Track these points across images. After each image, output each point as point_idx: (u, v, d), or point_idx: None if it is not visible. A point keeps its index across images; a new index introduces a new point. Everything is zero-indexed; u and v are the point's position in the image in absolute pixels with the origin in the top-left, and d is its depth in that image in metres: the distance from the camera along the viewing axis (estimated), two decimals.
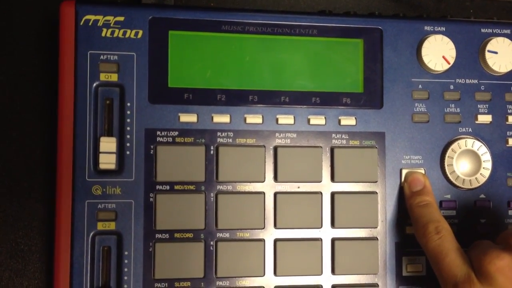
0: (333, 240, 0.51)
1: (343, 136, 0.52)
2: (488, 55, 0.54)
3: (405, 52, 0.53)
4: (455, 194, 0.53)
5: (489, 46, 0.54)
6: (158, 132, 0.49)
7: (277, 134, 0.51)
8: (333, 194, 0.52)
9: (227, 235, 0.50)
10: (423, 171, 0.53)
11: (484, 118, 0.54)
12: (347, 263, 0.51)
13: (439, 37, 0.53)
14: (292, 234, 0.51)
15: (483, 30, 0.55)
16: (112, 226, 0.48)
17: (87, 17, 0.49)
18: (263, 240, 0.50)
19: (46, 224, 0.53)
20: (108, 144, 0.48)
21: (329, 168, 0.52)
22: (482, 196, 0.54)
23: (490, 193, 0.54)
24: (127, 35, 0.49)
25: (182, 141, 0.50)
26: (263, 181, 0.51)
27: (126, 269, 0.48)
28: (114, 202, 0.48)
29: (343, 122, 0.52)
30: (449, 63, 0.53)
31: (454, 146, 0.53)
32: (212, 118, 0.50)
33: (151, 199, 0.49)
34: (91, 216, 0.48)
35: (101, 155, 0.48)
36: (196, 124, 0.50)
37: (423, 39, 0.53)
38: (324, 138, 0.52)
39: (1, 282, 0.52)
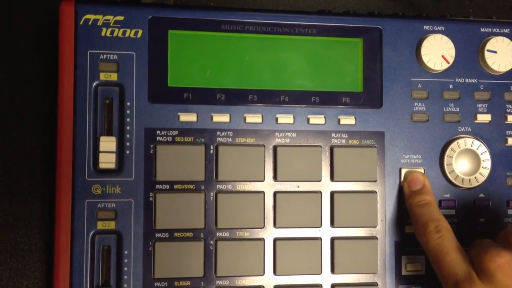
0: (333, 239, 0.51)
1: (342, 136, 0.52)
2: (487, 55, 0.54)
3: (404, 51, 0.54)
4: (454, 193, 0.53)
5: (489, 46, 0.54)
6: (158, 132, 0.49)
7: (276, 134, 0.51)
8: (332, 194, 0.52)
9: (226, 234, 0.50)
10: (422, 171, 0.53)
11: (484, 118, 0.54)
12: (346, 262, 0.51)
13: (438, 36, 0.53)
14: (291, 233, 0.51)
15: (482, 30, 0.55)
16: (112, 225, 0.48)
17: (87, 16, 0.49)
18: (262, 239, 0.50)
19: (46, 224, 0.53)
20: (108, 143, 0.48)
21: (329, 167, 0.52)
22: (482, 195, 0.54)
23: (489, 192, 0.54)
24: (126, 35, 0.49)
25: (182, 140, 0.50)
26: (263, 181, 0.51)
27: (126, 268, 0.48)
28: (114, 202, 0.48)
29: (342, 122, 0.52)
30: (448, 63, 0.53)
31: (454, 145, 0.53)
32: (211, 117, 0.50)
33: (150, 199, 0.49)
34: (91, 216, 0.48)
35: (101, 155, 0.48)
36: (195, 123, 0.50)
37: (423, 39, 0.53)
38: (323, 137, 0.52)
39: (1, 281, 0.53)
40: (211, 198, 0.50)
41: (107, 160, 0.48)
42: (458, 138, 0.53)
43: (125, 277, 0.48)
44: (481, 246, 0.45)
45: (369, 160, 0.52)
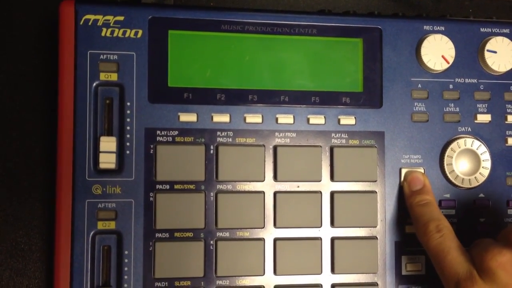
0: (333, 239, 0.51)
1: (342, 136, 0.52)
2: (487, 55, 0.54)
3: (404, 51, 0.54)
4: (454, 193, 0.53)
5: (488, 46, 0.54)
6: (158, 132, 0.49)
7: (276, 134, 0.51)
8: (332, 194, 0.52)
9: (227, 234, 0.50)
10: (422, 171, 0.53)
11: (483, 118, 0.54)
12: (346, 262, 0.51)
13: (438, 36, 0.53)
14: (291, 233, 0.51)
15: (482, 30, 0.55)
16: (112, 225, 0.48)
17: (87, 16, 0.49)
18: (263, 239, 0.50)
19: (46, 224, 0.53)
20: (108, 143, 0.48)
21: (329, 167, 0.52)
22: (482, 195, 0.54)
23: (489, 192, 0.54)
24: (126, 35, 0.49)
25: (182, 140, 0.50)
26: (263, 181, 0.51)
27: (126, 268, 0.48)
28: (114, 202, 0.48)
29: (342, 122, 0.52)
30: (448, 63, 0.53)
31: (454, 145, 0.53)
32: (211, 117, 0.50)
33: (151, 199, 0.49)
34: (91, 216, 0.48)
35: (101, 155, 0.48)
36: (196, 123, 0.50)
37: (423, 39, 0.53)
38: (323, 137, 0.52)
39: (2, 281, 0.53)
40: (211, 198, 0.50)
41: (107, 160, 0.48)
42: (458, 138, 0.53)
43: (126, 277, 0.48)
44: (482, 245, 0.45)
45: (369, 160, 0.52)
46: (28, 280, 0.53)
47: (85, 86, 0.49)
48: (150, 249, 0.49)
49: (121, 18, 0.49)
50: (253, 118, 0.51)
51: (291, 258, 0.50)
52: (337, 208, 0.51)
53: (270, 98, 0.51)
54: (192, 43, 0.51)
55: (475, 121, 0.54)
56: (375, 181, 0.52)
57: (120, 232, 0.48)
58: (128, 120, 0.49)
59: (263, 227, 0.50)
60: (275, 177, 0.51)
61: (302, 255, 0.51)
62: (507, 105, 0.55)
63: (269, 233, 0.51)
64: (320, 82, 0.52)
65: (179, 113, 0.50)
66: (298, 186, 0.51)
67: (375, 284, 0.52)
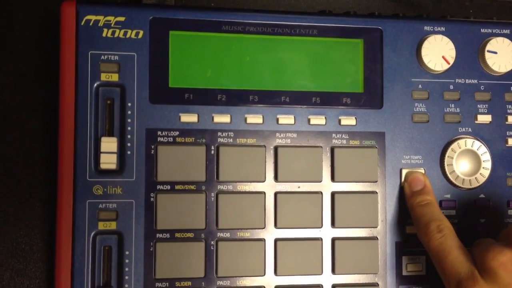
0: (333, 240, 0.51)
1: (343, 136, 0.52)
2: (487, 55, 0.54)
3: (405, 52, 0.54)
4: (455, 193, 0.54)
5: (489, 46, 0.54)
6: (159, 132, 0.49)
7: (277, 134, 0.51)
8: (333, 194, 0.52)
9: (227, 234, 0.50)
10: (423, 171, 0.53)
11: (484, 118, 0.54)
12: (347, 263, 0.51)
13: (438, 37, 0.53)
14: (292, 233, 0.51)
15: (482, 30, 0.55)
16: (113, 225, 0.48)
17: (88, 17, 0.49)
18: (263, 240, 0.50)
19: (47, 224, 0.53)
20: (109, 144, 0.48)
21: (329, 168, 0.52)
22: (482, 195, 0.54)
23: (489, 192, 0.54)
24: (127, 35, 0.49)
25: (183, 141, 0.50)
26: (264, 181, 0.51)
27: (127, 269, 0.48)
28: (115, 202, 0.48)
29: (343, 122, 0.52)
30: (448, 63, 0.54)
31: (454, 146, 0.53)
32: (212, 118, 0.50)
33: (152, 199, 0.49)
34: (92, 216, 0.48)
35: (102, 155, 0.48)
36: (196, 124, 0.50)
37: (423, 39, 0.53)
38: (324, 138, 0.52)
39: (2, 281, 0.53)
40: (212, 198, 0.50)
41: (108, 161, 0.48)
42: (459, 138, 0.53)
43: (126, 277, 0.48)
44: (483, 245, 0.45)
45: (370, 161, 0.52)
46: (29, 280, 0.53)
47: (86, 86, 0.49)
48: (151, 249, 0.49)
49: (122, 18, 0.49)
50: (254, 119, 0.51)
51: (291, 259, 0.51)
52: (338, 208, 0.51)
53: (270, 98, 0.51)
54: (193, 44, 0.51)
55: (476, 122, 0.54)
56: (376, 181, 0.52)
57: (121, 233, 0.48)
58: (129, 120, 0.49)
59: (263, 228, 0.51)
60: (276, 178, 0.51)
61: (302, 255, 0.51)
62: (507, 106, 0.55)
63: (270, 234, 0.51)
64: (321, 83, 0.52)
65: (180, 114, 0.50)
66: (298, 187, 0.51)
67: (376, 284, 0.52)
